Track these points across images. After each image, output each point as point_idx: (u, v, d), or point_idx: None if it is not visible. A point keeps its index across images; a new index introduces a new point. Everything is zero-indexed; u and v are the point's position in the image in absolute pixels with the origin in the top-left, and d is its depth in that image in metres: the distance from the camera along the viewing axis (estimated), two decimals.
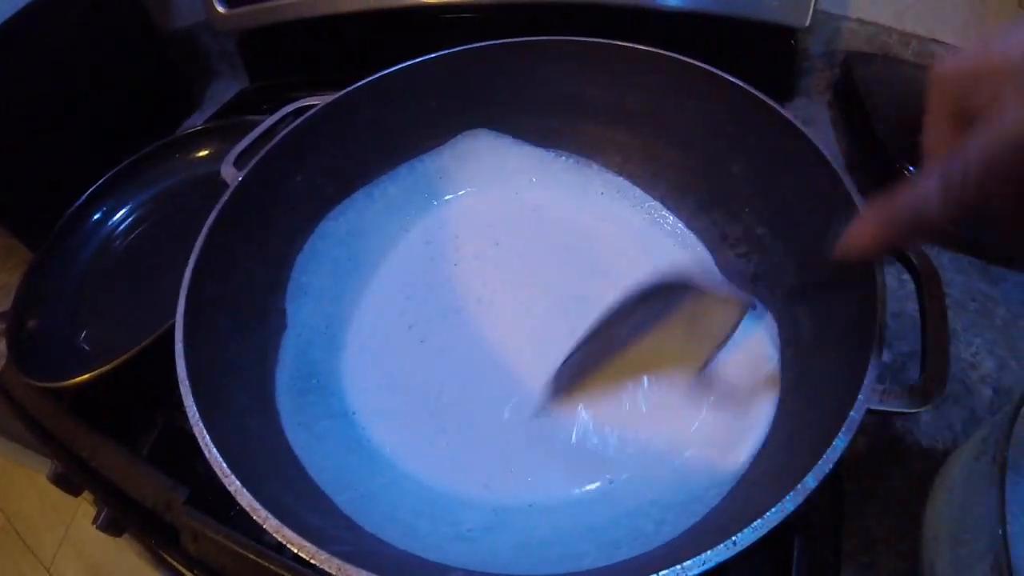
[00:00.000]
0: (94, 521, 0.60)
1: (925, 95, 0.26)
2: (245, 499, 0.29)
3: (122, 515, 0.52)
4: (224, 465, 0.31)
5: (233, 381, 0.40)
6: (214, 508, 0.45)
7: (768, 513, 0.25)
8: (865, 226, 0.27)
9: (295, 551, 0.27)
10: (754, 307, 0.39)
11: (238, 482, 0.30)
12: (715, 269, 0.49)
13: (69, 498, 1.29)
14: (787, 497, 0.25)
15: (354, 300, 0.51)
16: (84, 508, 1.32)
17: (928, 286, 0.35)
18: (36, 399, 0.59)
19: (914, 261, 0.36)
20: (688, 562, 0.24)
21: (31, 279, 0.62)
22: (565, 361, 0.40)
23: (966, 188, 0.23)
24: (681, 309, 0.37)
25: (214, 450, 0.31)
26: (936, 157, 0.26)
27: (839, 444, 0.27)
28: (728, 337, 0.38)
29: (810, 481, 0.26)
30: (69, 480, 0.67)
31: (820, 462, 0.26)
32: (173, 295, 0.48)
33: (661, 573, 0.24)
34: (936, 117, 0.26)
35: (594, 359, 0.40)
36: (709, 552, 0.24)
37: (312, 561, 0.27)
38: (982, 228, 0.27)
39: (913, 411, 0.29)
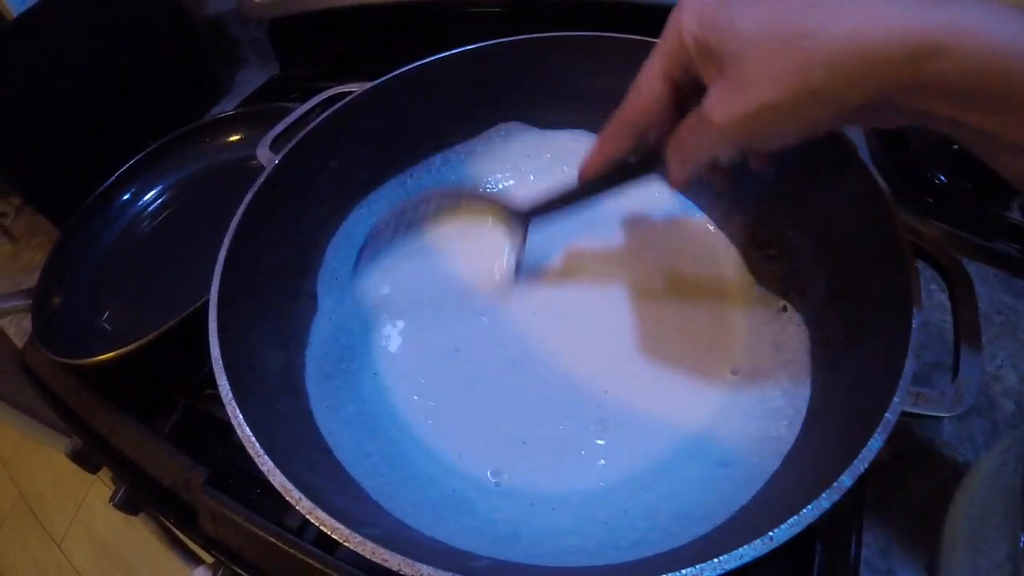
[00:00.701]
0: (111, 499, 0.60)
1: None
2: (278, 479, 0.29)
3: (140, 493, 0.53)
4: (257, 445, 0.31)
5: (263, 363, 0.40)
6: (233, 491, 0.46)
7: (804, 510, 0.25)
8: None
9: (328, 533, 0.27)
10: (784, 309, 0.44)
11: (271, 462, 0.30)
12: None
13: (82, 477, 1.31)
14: (823, 495, 0.25)
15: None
16: (97, 488, 1.34)
17: (960, 290, 0.35)
18: (58, 376, 0.60)
19: (946, 266, 0.36)
20: (724, 556, 0.24)
21: (57, 257, 0.63)
22: None
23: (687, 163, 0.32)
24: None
25: (247, 429, 0.31)
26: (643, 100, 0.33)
27: (874, 444, 0.27)
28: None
29: (846, 480, 0.26)
30: (87, 457, 0.68)
31: (856, 461, 0.26)
32: (198, 277, 0.49)
33: (698, 566, 0.24)
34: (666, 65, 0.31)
35: None
36: (745, 547, 0.24)
37: (345, 543, 0.27)
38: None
39: (946, 415, 0.29)
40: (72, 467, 0.71)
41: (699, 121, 0.30)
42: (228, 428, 0.49)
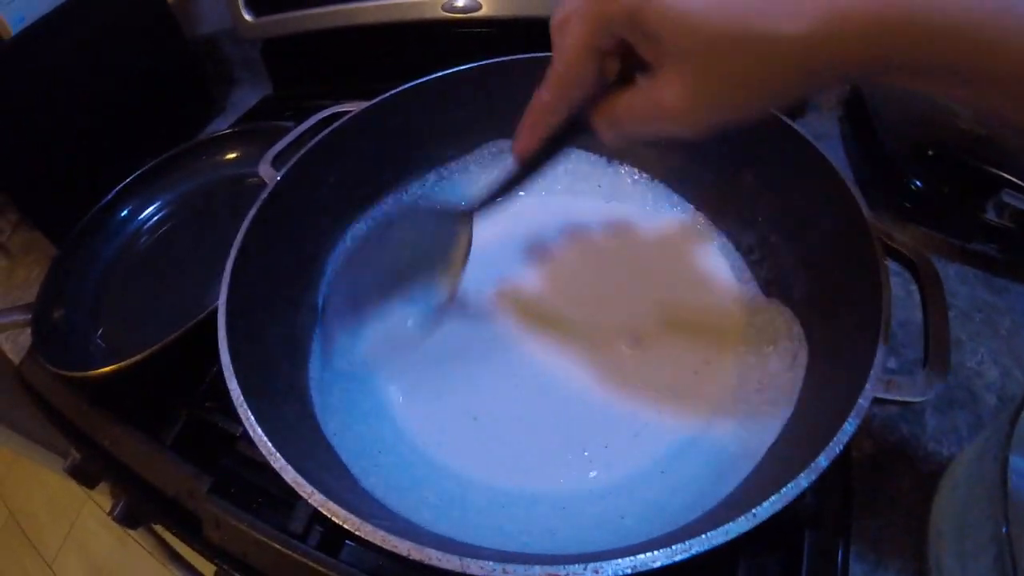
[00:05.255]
0: (110, 512, 0.60)
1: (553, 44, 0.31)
2: (290, 475, 0.30)
3: (142, 505, 0.53)
4: (269, 443, 0.32)
5: (268, 369, 0.41)
6: (236, 500, 0.46)
7: (784, 488, 0.26)
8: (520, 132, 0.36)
9: (339, 523, 0.28)
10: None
11: (283, 459, 0.31)
12: None
13: (75, 497, 1.30)
14: (801, 474, 0.27)
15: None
16: (89, 507, 1.33)
17: (927, 281, 0.37)
18: (58, 390, 0.60)
19: (914, 260, 0.38)
20: (712, 532, 0.25)
21: (57, 271, 0.63)
22: None
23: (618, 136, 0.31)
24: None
25: (258, 429, 0.32)
26: (568, 73, 0.32)
27: (848, 428, 0.28)
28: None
29: (823, 460, 0.27)
30: (86, 472, 0.68)
31: (831, 443, 0.28)
32: (196, 292, 0.50)
33: (688, 542, 0.25)
34: (588, 42, 0.29)
35: None
36: (731, 524, 0.26)
37: (357, 532, 0.28)
38: None
39: (917, 400, 0.31)
40: (65, 487, 0.71)
41: (645, 101, 0.29)
42: (231, 438, 0.51)
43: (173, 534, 0.52)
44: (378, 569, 0.42)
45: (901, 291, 0.51)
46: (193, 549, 0.49)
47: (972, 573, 0.33)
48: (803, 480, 0.27)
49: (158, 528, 0.71)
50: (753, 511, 0.26)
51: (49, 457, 1.07)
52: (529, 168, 0.40)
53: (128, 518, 0.61)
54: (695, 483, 0.38)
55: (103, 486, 0.72)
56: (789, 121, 0.44)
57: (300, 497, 0.42)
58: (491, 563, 0.25)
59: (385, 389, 0.47)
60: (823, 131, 0.68)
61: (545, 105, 0.34)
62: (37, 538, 1.37)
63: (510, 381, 0.46)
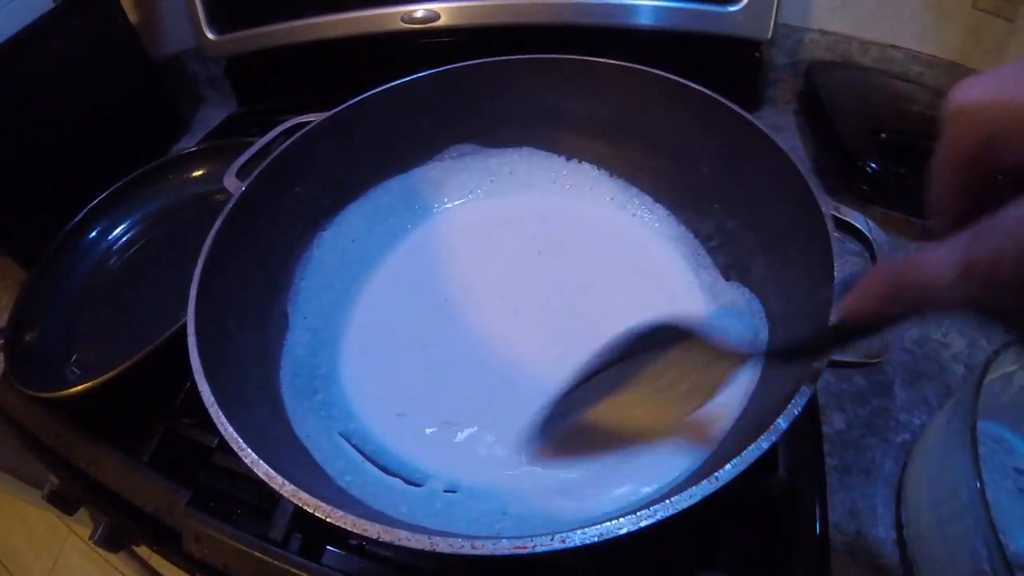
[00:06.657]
0: (91, 536, 0.60)
1: (941, 130, 0.21)
2: (262, 469, 0.30)
3: (122, 524, 0.53)
4: (240, 440, 0.32)
5: (240, 374, 0.41)
6: (216, 511, 0.46)
7: (745, 451, 0.27)
8: (864, 296, 0.23)
9: (310, 511, 0.29)
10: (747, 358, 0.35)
11: (254, 454, 0.31)
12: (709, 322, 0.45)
13: (56, 531, 1.28)
14: (761, 436, 0.28)
15: (353, 304, 0.53)
16: (71, 541, 1.30)
17: (877, 248, 0.38)
18: (33, 413, 0.59)
19: (867, 234, 0.39)
20: (676, 497, 0.26)
21: (29, 294, 0.63)
22: (552, 408, 0.39)
23: (995, 273, 0.17)
24: (677, 357, 0.36)
25: (229, 427, 0.32)
26: (947, 218, 0.22)
27: (806, 390, 0.29)
28: (719, 390, 0.35)
29: (781, 423, 0.28)
30: (65, 497, 0.67)
31: (790, 406, 0.29)
32: (170, 308, 0.49)
33: (653, 508, 0.26)
34: (954, 163, 0.20)
35: (582, 405, 0.38)
36: (695, 488, 0.26)
37: (327, 519, 0.28)
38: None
39: (872, 361, 0.32)
40: (46, 520, 0.69)
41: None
42: (207, 451, 0.50)
43: (154, 551, 0.51)
44: (360, 572, 0.42)
45: (862, 271, 0.52)
46: (174, 564, 0.48)
47: (951, 536, 0.34)
48: (763, 442, 0.27)
49: (141, 551, 0.71)
50: (715, 475, 0.27)
51: (27, 490, 1.05)
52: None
53: (109, 541, 0.60)
54: (663, 462, 0.38)
55: (83, 516, 0.70)
56: (746, 114, 0.45)
57: (278, 505, 0.44)
58: (460, 539, 0.26)
59: (355, 395, 0.48)
60: (780, 124, 0.70)
61: (942, 292, 0.20)
62: (21, 573, 1.34)
63: (476, 378, 0.47)
